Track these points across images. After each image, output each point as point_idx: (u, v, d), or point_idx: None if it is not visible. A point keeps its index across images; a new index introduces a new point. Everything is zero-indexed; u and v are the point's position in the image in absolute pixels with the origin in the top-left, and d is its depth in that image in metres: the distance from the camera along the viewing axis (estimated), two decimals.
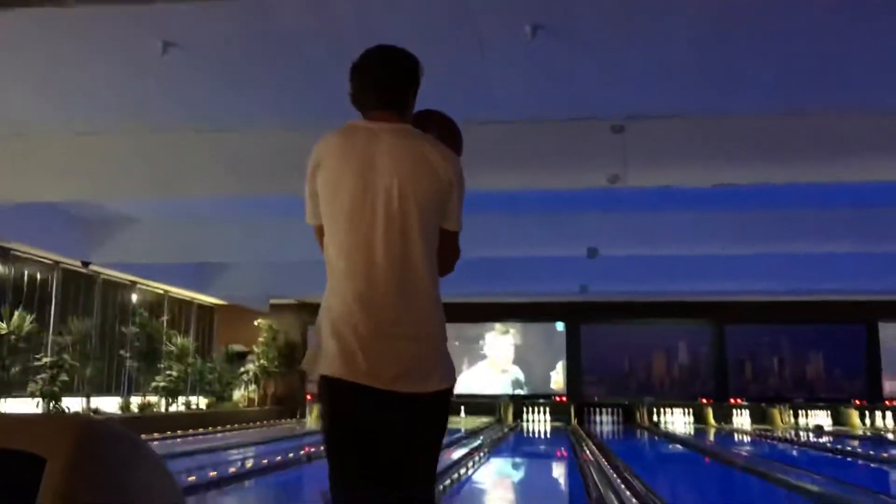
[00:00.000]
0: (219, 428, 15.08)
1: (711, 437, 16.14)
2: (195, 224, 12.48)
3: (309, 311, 20.08)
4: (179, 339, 17.05)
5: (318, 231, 2.38)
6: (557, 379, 19.83)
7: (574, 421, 18.62)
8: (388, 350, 2.10)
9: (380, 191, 2.17)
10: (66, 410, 12.24)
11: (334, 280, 2.25)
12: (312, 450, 10.76)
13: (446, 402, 2.21)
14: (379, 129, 2.24)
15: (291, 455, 9.98)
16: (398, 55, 2.33)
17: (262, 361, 19.34)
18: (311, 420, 19.05)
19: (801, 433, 16.71)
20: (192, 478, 7.29)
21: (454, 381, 2.23)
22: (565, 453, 12.33)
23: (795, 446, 14.18)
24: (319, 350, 2.17)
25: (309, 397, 19.62)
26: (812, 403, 18.96)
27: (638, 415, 19.07)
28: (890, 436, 16.13)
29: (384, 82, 2.29)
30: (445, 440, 2.31)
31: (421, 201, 2.17)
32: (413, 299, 2.16)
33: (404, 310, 2.14)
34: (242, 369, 19.20)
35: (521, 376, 19.98)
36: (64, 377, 12.48)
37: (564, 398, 19.50)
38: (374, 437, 2.09)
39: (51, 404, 12.11)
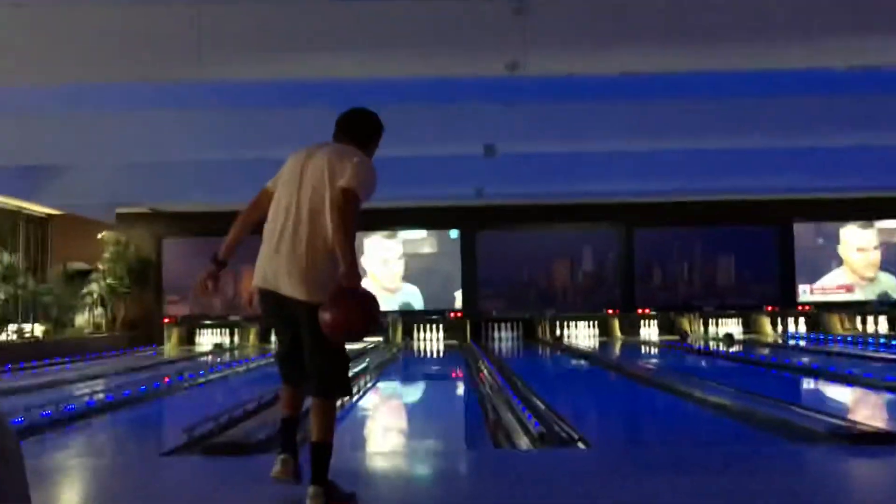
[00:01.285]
0: (60, 359, 14.70)
1: (617, 351, 16.85)
2: (21, 120, 11.80)
3: (164, 221, 19.57)
4: (6, 257, 16.35)
5: (263, 192, 3.99)
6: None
7: (470, 338, 19.10)
8: (284, 268, 3.73)
9: (305, 179, 3.81)
10: None
11: (267, 228, 3.86)
12: (172, 381, 10.66)
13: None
14: (321, 145, 3.94)
15: (149, 387, 9.86)
16: (361, 114, 4.07)
17: (108, 280, 18.82)
18: (171, 346, 18.82)
19: (711, 343, 17.66)
20: (28, 417, 7.12)
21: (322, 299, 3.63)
22: (460, 373, 12.65)
23: (705, 357, 14.99)
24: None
25: (167, 320, 19.31)
26: (722, 311, 20.00)
27: (539, 329, 19.67)
28: (801, 343, 17.25)
29: (343, 128, 4.03)
30: None
31: (328, 185, 3.73)
32: (310, 244, 3.71)
33: (302, 246, 3.71)
34: (85, 290, 18.64)
35: (415, 299, 20.11)
36: None
37: (459, 314, 19.89)
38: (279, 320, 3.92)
39: None
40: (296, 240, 3.71)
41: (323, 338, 3.62)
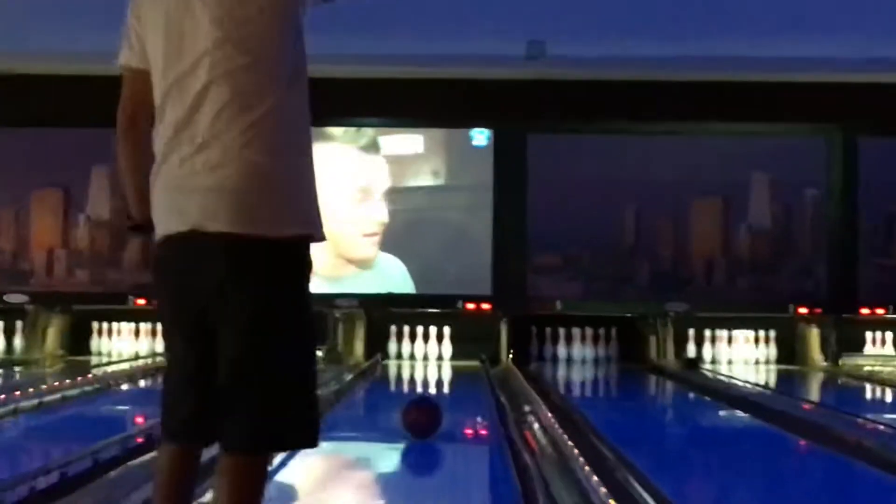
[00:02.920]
0: None
1: (815, 393, 16.80)
2: None
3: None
4: None
5: (127, 83, 4.46)
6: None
7: (508, 355, 19.06)
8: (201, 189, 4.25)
9: (197, 18, 4.21)
10: None
11: (156, 136, 4.30)
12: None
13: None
14: None
15: None
16: None
17: None
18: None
19: None
20: None
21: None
22: (484, 430, 12.68)
23: None
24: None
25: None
26: None
27: (653, 342, 19.61)
28: None
29: None
30: None
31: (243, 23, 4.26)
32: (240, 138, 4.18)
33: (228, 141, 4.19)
34: None
35: (398, 280, 20.00)
36: None
37: (486, 305, 19.83)
38: None
39: None
40: (213, 136, 4.14)
41: (280, 328, 4.09)
